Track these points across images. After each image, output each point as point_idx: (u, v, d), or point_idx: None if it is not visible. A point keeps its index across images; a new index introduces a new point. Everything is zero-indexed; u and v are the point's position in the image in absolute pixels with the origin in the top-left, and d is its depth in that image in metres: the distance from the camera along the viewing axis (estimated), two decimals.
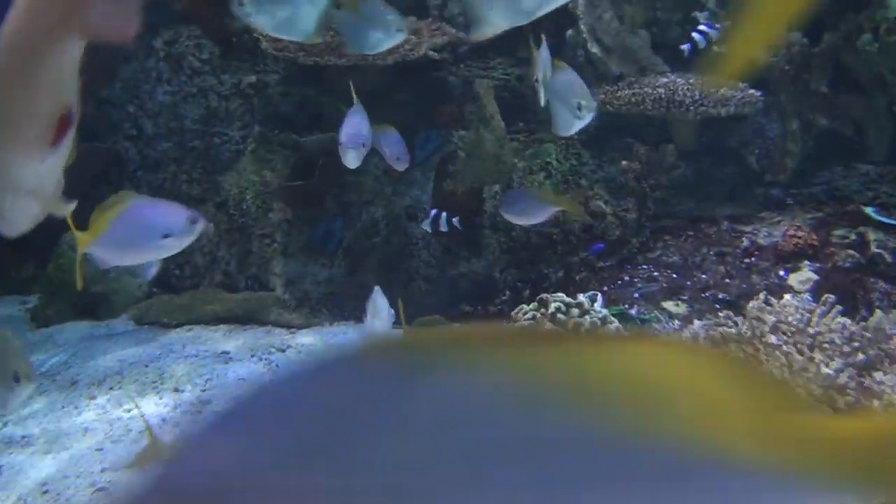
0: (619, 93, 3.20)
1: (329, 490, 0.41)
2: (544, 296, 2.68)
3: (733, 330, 1.82)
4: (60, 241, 3.33)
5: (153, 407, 2.51)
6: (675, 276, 2.95)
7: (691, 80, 3.19)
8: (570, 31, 3.43)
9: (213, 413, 0.44)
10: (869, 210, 2.95)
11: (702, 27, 3.16)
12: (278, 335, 3.15)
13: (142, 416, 1.19)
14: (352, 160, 2.10)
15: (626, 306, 2.84)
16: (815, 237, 2.86)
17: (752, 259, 2.91)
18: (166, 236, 1.47)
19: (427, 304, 3.24)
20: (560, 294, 2.70)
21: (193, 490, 0.41)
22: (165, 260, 3.54)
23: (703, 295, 2.85)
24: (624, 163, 3.19)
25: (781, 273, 2.81)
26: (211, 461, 0.42)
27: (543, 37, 2.26)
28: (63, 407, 2.54)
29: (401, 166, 2.55)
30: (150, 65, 3.51)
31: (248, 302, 3.30)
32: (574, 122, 2.24)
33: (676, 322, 2.71)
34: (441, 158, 3.24)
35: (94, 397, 2.61)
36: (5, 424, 2.47)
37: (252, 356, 2.92)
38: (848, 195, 3.14)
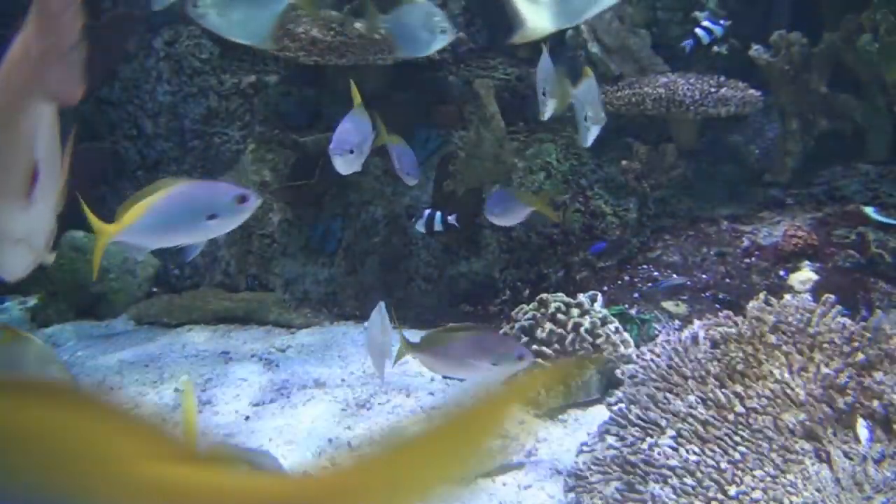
0: (619, 93, 3.20)
1: None
2: (544, 296, 2.68)
3: (733, 330, 1.82)
4: (61, 242, 3.33)
5: (152, 407, 2.51)
6: (675, 275, 2.95)
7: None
8: (570, 32, 3.43)
9: None
10: (869, 210, 2.95)
11: (706, 23, 3.16)
12: (278, 335, 3.16)
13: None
14: (339, 166, 2.00)
15: (627, 306, 2.84)
16: (815, 237, 2.86)
17: (752, 259, 2.91)
18: (212, 217, 1.47)
19: (427, 304, 3.24)
20: (560, 294, 2.71)
21: None
22: (165, 260, 3.55)
23: (703, 295, 2.85)
24: (624, 162, 3.20)
25: (781, 273, 2.82)
26: None
27: (544, 47, 2.22)
28: None
29: (410, 181, 2.51)
30: (150, 64, 3.51)
31: (248, 302, 3.30)
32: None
33: (676, 322, 2.71)
34: (441, 158, 3.24)
35: None
36: None
37: (252, 356, 2.92)
38: (848, 195, 3.14)
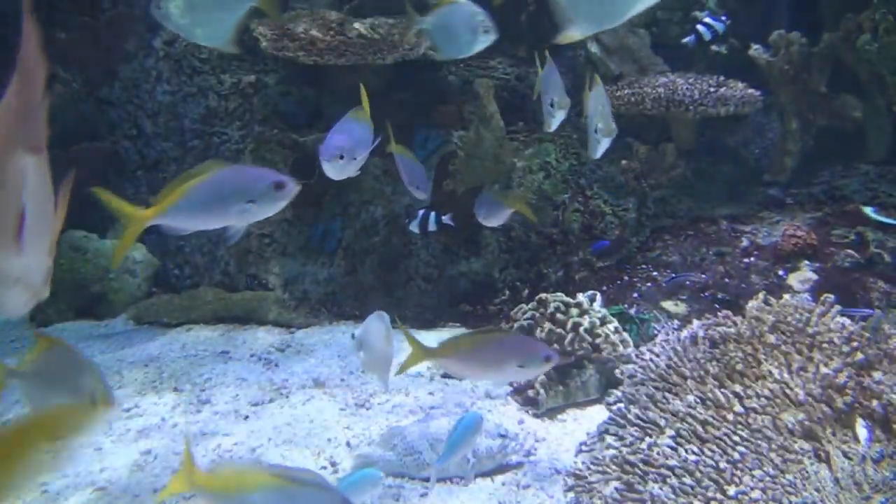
0: (618, 92, 3.21)
1: None
2: (543, 295, 2.68)
3: (732, 330, 1.82)
4: (60, 242, 3.33)
5: (152, 406, 2.51)
6: (674, 275, 2.95)
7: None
8: None
9: None
10: (868, 210, 2.96)
11: (707, 20, 3.16)
12: (278, 334, 3.16)
13: (185, 439, 1.13)
14: (328, 172, 1.91)
15: (626, 306, 2.84)
16: (814, 237, 2.87)
17: (752, 259, 2.91)
18: (251, 201, 1.48)
19: (426, 303, 3.24)
20: (559, 294, 2.71)
21: None
22: (165, 259, 3.55)
23: (702, 294, 2.85)
24: (623, 162, 3.20)
25: (781, 273, 2.82)
26: None
27: (548, 55, 2.15)
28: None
29: (420, 195, 2.44)
30: (149, 64, 3.51)
31: (248, 301, 3.30)
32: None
33: (675, 322, 2.71)
34: (441, 158, 3.25)
35: None
36: (5, 423, 2.47)
37: (251, 356, 2.92)
38: (847, 195, 3.14)
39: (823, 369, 1.66)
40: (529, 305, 2.68)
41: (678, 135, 3.30)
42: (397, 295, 3.26)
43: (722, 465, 1.57)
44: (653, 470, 1.62)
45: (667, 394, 1.76)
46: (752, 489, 1.51)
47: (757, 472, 1.54)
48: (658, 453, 1.64)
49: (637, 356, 1.92)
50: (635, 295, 2.91)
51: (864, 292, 2.64)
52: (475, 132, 3.12)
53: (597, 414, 2.35)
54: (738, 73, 3.26)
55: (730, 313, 1.88)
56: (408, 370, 2.76)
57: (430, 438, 2.07)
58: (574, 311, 2.59)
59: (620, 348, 2.49)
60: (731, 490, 1.52)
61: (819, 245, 2.84)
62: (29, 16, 0.74)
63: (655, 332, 2.64)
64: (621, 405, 1.82)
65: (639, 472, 1.64)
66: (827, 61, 3.24)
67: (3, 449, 0.67)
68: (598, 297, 2.80)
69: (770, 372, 1.70)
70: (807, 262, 2.81)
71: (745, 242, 2.98)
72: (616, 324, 2.58)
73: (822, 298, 1.83)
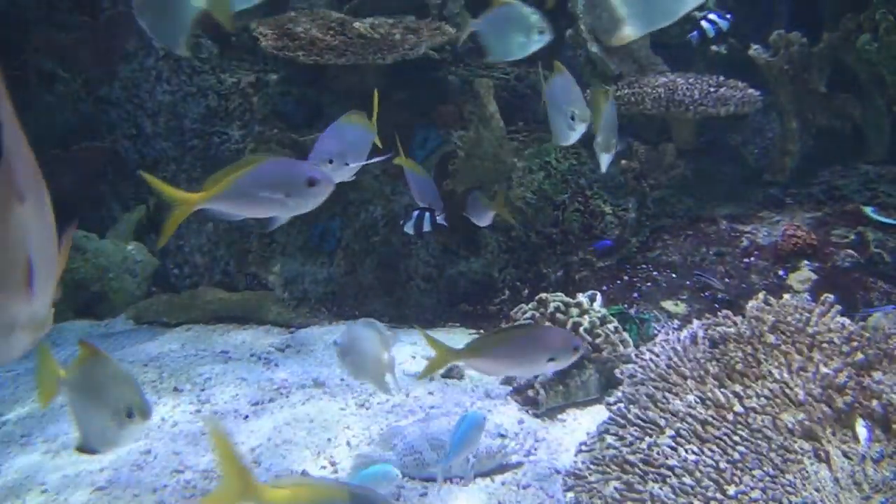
0: (618, 92, 3.20)
1: None
2: (543, 295, 2.68)
3: (732, 329, 1.82)
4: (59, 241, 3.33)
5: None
6: (674, 275, 2.95)
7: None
8: (569, 31, 3.43)
9: None
10: (868, 210, 2.96)
11: (711, 16, 3.15)
12: (277, 334, 3.16)
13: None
14: None
15: (626, 305, 2.84)
16: (814, 237, 2.87)
17: (752, 259, 2.91)
18: (288, 195, 1.51)
19: (426, 303, 3.24)
20: (559, 294, 2.71)
21: None
22: (165, 259, 3.55)
23: (702, 294, 2.85)
24: (623, 162, 3.20)
25: (780, 272, 2.82)
26: None
27: (560, 66, 2.05)
28: (62, 406, 2.54)
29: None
30: (149, 64, 3.51)
31: (248, 301, 3.30)
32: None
33: (675, 321, 2.71)
34: (440, 158, 3.24)
35: None
36: (4, 423, 2.47)
37: (251, 355, 2.92)
38: (847, 195, 3.14)
39: (823, 369, 1.66)
40: (529, 305, 2.68)
41: (678, 135, 3.30)
42: (397, 295, 3.26)
43: (722, 464, 1.57)
44: (653, 470, 1.62)
45: (667, 394, 1.76)
46: (751, 489, 1.51)
47: (757, 472, 1.54)
48: (658, 453, 1.64)
49: (637, 356, 1.92)
50: (635, 295, 2.91)
51: (864, 292, 2.64)
52: (475, 132, 3.12)
53: (597, 414, 2.35)
54: (737, 73, 3.26)
55: (730, 313, 1.88)
56: (398, 363, 2.76)
57: (429, 438, 2.07)
58: (574, 310, 2.59)
59: (620, 348, 2.50)
60: (731, 490, 1.52)
61: (819, 245, 2.84)
62: None
63: (655, 331, 2.64)
64: (621, 405, 1.82)
65: (639, 471, 1.64)
66: (827, 61, 3.24)
67: None
68: (598, 296, 2.80)
69: (770, 372, 1.70)
70: (807, 261, 2.81)
71: (744, 242, 2.98)
72: (616, 324, 2.58)
73: (821, 298, 1.83)
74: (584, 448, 1.84)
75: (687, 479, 1.57)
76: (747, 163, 3.40)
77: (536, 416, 2.41)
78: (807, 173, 3.32)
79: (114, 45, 3.45)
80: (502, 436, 2.11)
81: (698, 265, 2.95)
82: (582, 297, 2.68)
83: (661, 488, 1.57)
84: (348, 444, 2.25)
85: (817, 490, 1.50)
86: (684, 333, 1.90)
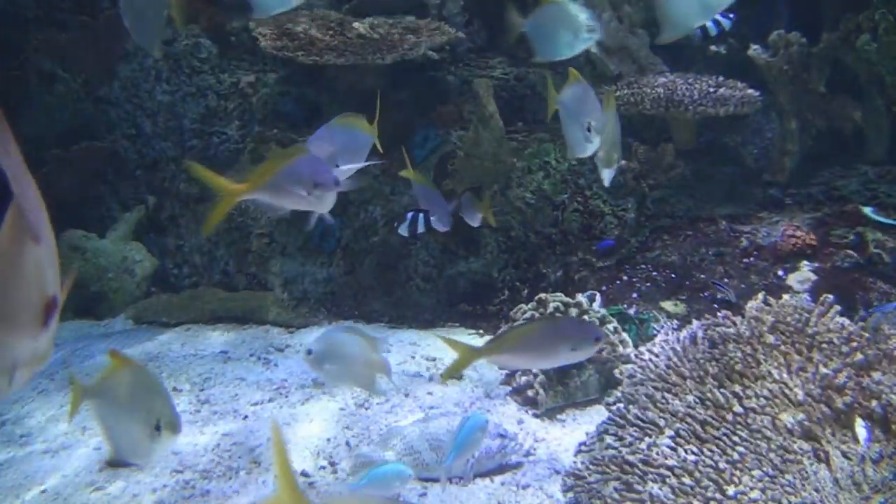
0: (617, 92, 3.20)
1: None
2: (543, 295, 2.68)
3: (732, 330, 1.82)
4: (60, 241, 3.33)
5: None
6: (673, 275, 2.95)
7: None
8: None
9: None
10: (867, 210, 2.96)
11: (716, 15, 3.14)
12: (277, 334, 3.15)
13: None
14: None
15: (625, 306, 2.84)
16: (813, 237, 2.87)
17: (751, 259, 2.91)
18: (317, 187, 1.55)
19: (425, 303, 3.24)
20: (559, 294, 2.71)
21: None
22: (164, 259, 3.55)
23: (701, 295, 2.85)
24: (623, 162, 3.20)
25: (780, 273, 2.82)
26: None
27: (576, 73, 1.96)
28: (62, 406, 2.54)
29: (442, 228, 2.32)
30: (148, 64, 3.51)
31: (247, 301, 3.30)
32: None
33: (675, 322, 2.71)
34: (440, 158, 3.24)
35: None
36: (3, 423, 2.47)
37: (251, 355, 2.92)
38: (846, 195, 3.14)
39: (823, 369, 1.66)
40: (529, 305, 2.68)
41: (677, 135, 3.30)
42: (396, 295, 3.26)
43: (721, 465, 1.57)
44: (652, 470, 1.62)
45: (666, 394, 1.76)
46: (751, 489, 1.51)
47: (756, 473, 1.54)
48: (657, 453, 1.64)
49: (636, 356, 1.92)
50: (634, 295, 2.91)
51: (864, 292, 2.64)
52: (474, 132, 3.12)
53: (596, 414, 2.35)
54: (737, 74, 3.26)
55: (729, 313, 1.88)
56: (399, 362, 2.76)
57: (429, 438, 2.07)
58: (573, 311, 2.59)
59: (620, 348, 2.50)
60: (731, 490, 1.52)
61: (818, 245, 2.84)
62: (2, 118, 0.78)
63: (655, 332, 2.64)
64: (620, 405, 1.82)
65: (638, 472, 1.64)
66: (826, 61, 3.24)
67: None
68: (598, 297, 2.80)
69: (769, 372, 1.70)
70: (806, 262, 2.81)
71: (744, 243, 2.99)
72: (615, 324, 2.58)
73: (821, 299, 1.83)
74: (583, 448, 1.84)
75: (686, 480, 1.57)
76: (747, 163, 3.40)
77: (536, 416, 2.41)
78: (806, 174, 3.32)
79: (114, 45, 3.45)
80: (502, 436, 2.11)
81: (698, 266, 2.95)
82: (581, 298, 2.68)
83: (660, 488, 1.57)
84: (347, 444, 2.25)
85: (817, 490, 1.50)
86: (684, 334, 1.90)
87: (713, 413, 1.67)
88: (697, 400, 1.71)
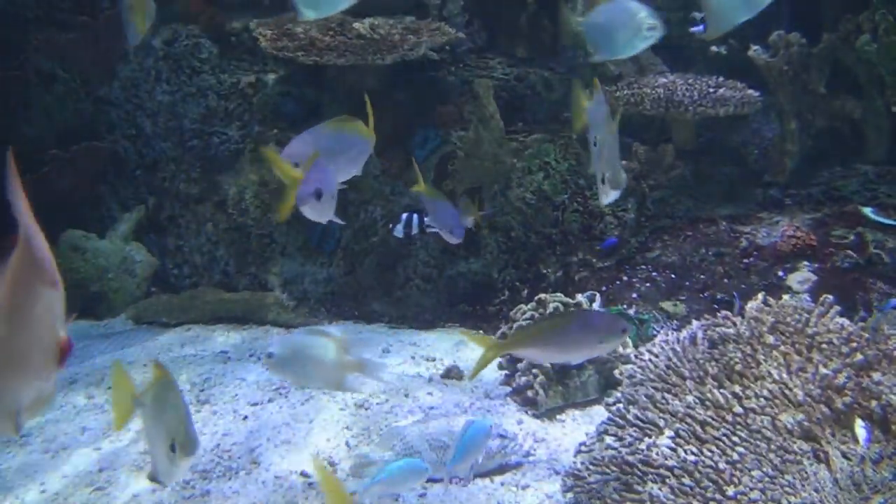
0: (618, 93, 3.20)
1: None
2: (543, 296, 2.68)
3: (731, 330, 1.82)
4: (60, 241, 3.33)
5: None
6: (673, 276, 2.95)
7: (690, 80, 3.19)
8: None
9: None
10: (867, 210, 2.96)
11: None
12: (277, 335, 3.15)
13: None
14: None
15: (625, 306, 2.84)
16: (813, 237, 2.87)
17: (751, 259, 2.91)
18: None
19: (425, 304, 3.24)
20: (559, 294, 2.71)
21: None
22: (164, 259, 3.54)
23: (701, 295, 2.85)
24: (623, 162, 3.19)
25: (780, 273, 2.82)
26: None
27: (598, 83, 1.86)
28: (61, 406, 2.54)
29: (454, 240, 2.23)
30: (148, 64, 3.51)
31: (247, 301, 3.30)
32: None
33: (675, 322, 2.71)
34: (440, 158, 3.24)
35: (91, 397, 2.61)
36: None
37: (251, 356, 2.92)
38: (846, 195, 3.14)
39: (822, 370, 1.66)
40: (529, 306, 2.68)
41: (677, 135, 3.30)
42: (396, 295, 3.26)
43: (721, 465, 1.57)
44: (652, 470, 1.62)
45: (666, 394, 1.76)
46: (751, 490, 1.51)
47: (756, 473, 1.54)
48: (657, 454, 1.64)
49: (636, 357, 1.92)
50: (634, 295, 2.91)
51: (864, 293, 2.64)
52: (474, 132, 3.12)
53: (596, 414, 2.35)
54: (736, 74, 3.26)
55: (729, 314, 1.88)
56: (400, 363, 2.76)
57: (429, 439, 2.07)
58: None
59: (619, 349, 2.50)
60: (730, 490, 1.52)
61: (818, 246, 2.84)
62: (12, 170, 0.81)
63: (654, 332, 2.64)
64: (620, 405, 1.82)
65: (638, 472, 1.64)
66: (826, 62, 3.24)
67: None
68: (598, 297, 2.80)
69: (769, 372, 1.70)
70: (806, 262, 2.81)
71: (744, 243, 2.99)
72: None
73: (821, 299, 1.83)
74: (583, 449, 1.84)
75: (686, 480, 1.57)
76: (747, 163, 3.40)
77: (536, 416, 2.41)
78: (806, 174, 3.32)
79: (114, 45, 3.44)
80: (502, 436, 2.11)
81: (698, 266, 2.95)
82: (581, 298, 2.68)
83: (660, 489, 1.57)
84: (347, 444, 2.25)
85: (816, 491, 1.50)
86: (683, 334, 1.90)
87: (713, 413, 1.67)
88: (697, 400, 1.71)
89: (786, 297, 1.90)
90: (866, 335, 1.73)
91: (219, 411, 2.47)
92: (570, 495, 1.74)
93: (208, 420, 2.41)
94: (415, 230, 2.59)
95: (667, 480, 1.59)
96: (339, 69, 3.15)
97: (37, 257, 0.84)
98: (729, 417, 1.65)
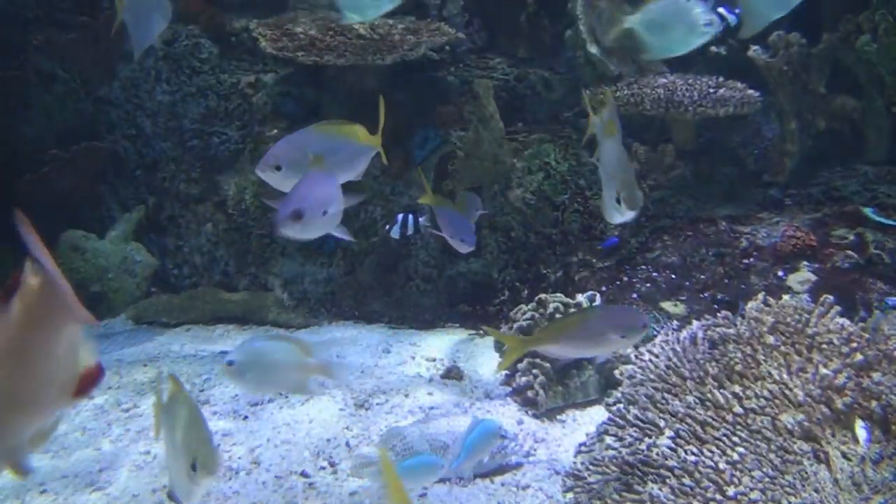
0: (618, 93, 3.20)
1: None
2: (543, 296, 2.68)
3: (732, 330, 1.82)
4: (60, 241, 3.33)
5: (152, 407, 2.51)
6: (673, 276, 2.95)
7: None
8: (569, 32, 3.43)
9: None
10: (867, 210, 2.96)
11: (721, 10, 3.12)
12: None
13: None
14: (267, 180, 1.66)
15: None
16: (813, 237, 2.87)
17: (751, 259, 2.91)
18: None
19: (425, 304, 3.24)
20: (559, 294, 2.71)
21: None
22: (164, 259, 3.54)
23: (701, 295, 2.85)
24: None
25: (780, 273, 2.82)
26: None
27: (610, 95, 1.90)
28: None
29: (465, 249, 2.17)
30: (148, 64, 3.51)
31: (247, 301, 3.30)
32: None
33: (675, 322, 2.71)
34: (440, 158, 3.24)
35: (91, 397, 2.61)
36: None
37: None
38: (846, 195, 3.14)
39: (823, 370, 1.66)
40: (529, 306, 2.68)
41: (677, 135, 3.30)
42: (396, 295, 3.26)
43: (721, 465, 1.57)
44: (652, 470, 1.62)
45: (666, 394, 1.76)
46: (751, 490, 1.51)
47: (756, 473, 1.54)
48: (657, 454, 1.64)
49: (636, 357, 1.92)
50: (634, 295, 2.91)
51: (864, 293, 2.64)
52: (474, 132, 3.12)
53: (596, 414, 2.35)
54: (736, 74, 3.25)
55: (729, 314, 1.88)
56: (400, 363, 2.76)
57: (429, 439, 2.07)
58: (573, 311, 2.58)
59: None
60: (731, 491, 1.52)
61: (818, 246, 2.84)
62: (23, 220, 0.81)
63: (655, 332, 2.64)
64: (620, 406, 1.82)
65: (638, 472, 1.64)
66: (826, 62, 3.24)
67: None
68: (598, 297, 2.80)
69: (769, 373, 1.70)
70: (806, 262, 2.81)
71: (744, 243, 2.98)
72: None
73: (821, 299, 1.83)
74: (583, 449, 1.85)
75: (686, 480, 1.57)
76: (746, 164, 3.40)
77: (536, 416, 2.41)
78: (806, 174, 3.32)
79: (114, 45, 3.44)
80: (502, 436, 2.11)
81: (698, 266, 2.94)
82: (581, 298, 2.68)
83: (660, 489, 1.57)
84: (347, 444, 2.25)
85: (816, 491, 1.50)
86: (684, 334, 1.90)
87: (713, 414, 1.67)
88: (697, 400, 1.71)
89: (786, 297, 1.90)
90: (866, 335, 1.73)
91: (219, 411, 2.47)
92: (570, 495, 1.75)
93: (208, 420, 2.41)
94: (410, 231, 2.58)
95: (667, 480, 1.59)
96: (339, 69, 3.15)
97: (58, 294, 0.83)
98: (729, 418, 1.65)
